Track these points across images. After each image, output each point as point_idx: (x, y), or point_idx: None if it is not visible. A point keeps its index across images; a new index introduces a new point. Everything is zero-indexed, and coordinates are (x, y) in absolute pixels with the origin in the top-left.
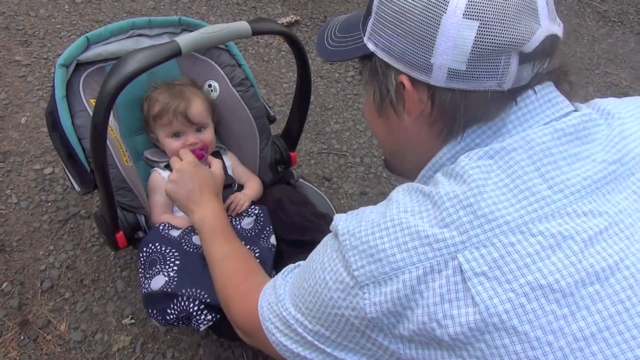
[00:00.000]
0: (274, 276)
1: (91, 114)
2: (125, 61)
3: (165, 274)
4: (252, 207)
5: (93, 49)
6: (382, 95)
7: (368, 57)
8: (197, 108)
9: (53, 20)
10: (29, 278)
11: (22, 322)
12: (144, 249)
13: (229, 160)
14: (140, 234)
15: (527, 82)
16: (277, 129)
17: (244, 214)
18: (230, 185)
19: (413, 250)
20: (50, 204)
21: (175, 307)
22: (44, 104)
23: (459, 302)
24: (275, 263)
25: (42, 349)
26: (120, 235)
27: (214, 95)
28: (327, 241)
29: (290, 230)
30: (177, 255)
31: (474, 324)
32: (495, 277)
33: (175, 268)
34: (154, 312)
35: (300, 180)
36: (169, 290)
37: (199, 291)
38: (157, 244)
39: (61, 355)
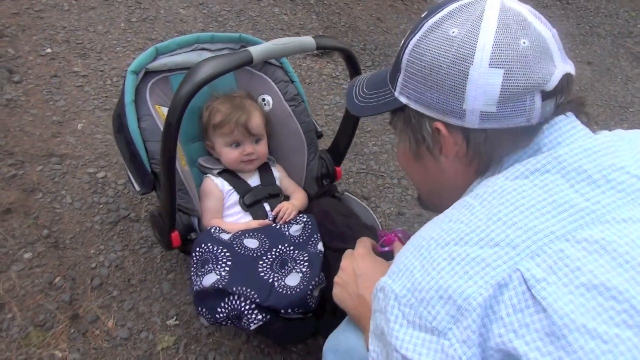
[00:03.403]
0: (322, 279)
1: (156, 119)
2: (200, 67)
3: (217, 272)
4: (301, 215)
5: (160, 59)
6: (417, 142)
7: (400, 109)
8: (257, 120)
9: (110, 36)
10: (80, 274)
11: (73, 316)
12: (197, 249)
13: (278, 171)
14: (193, 235)
15: (551, 114)
16: (321, 145)
17: (293, 222)
18: (277, 195)
19: (476, 275)
20: (102, 206)
21: (226, 306)
22: (99, 113)
23: (529, 309)
24: (322, 268)
25: (90, 344)
26: (175, 234)
27: (267, 108)
28: (381, 321)
29: (337, 239)
30: (228, 256)
31: (548, 328)
32: (553, 281)
33: (227, 268)
34: (204, 310)
35: (346, 193)
36: (220, 286)
37: (249, 290)
38: (209, 245)
39: (108, 350)
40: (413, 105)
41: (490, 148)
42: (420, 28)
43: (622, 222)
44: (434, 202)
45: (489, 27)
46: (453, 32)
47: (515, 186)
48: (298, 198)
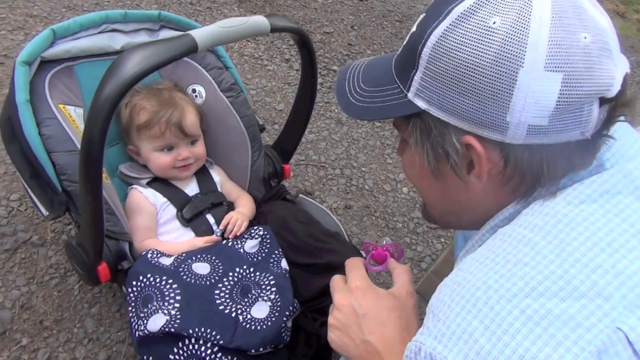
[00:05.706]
0: (296, 307)
1: (62, 122)
2: (127, 59)
3: (166, 311)
4: (256, 227)
5: (60, 45)
6: (438, 158)
7: (416, 114)
8: (192, 118)
9: None
10: None
11: None
12: (134, 283)
13: (217, 175)
14: (125, 264)
15: (604, 121)
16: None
17: (246, 236)
18: (221, 204)
19: (567, 340)
20: None
21: (181, 352)
22: None
23: None
24: None
25: None
26: (103, 267)
27: (199, 101)
28: None
29: (300, 252)
30: (176, 289)
31: None
32: None
33: (176, 305)
34: (151, 359)
35: (301, 195)
36: (172, 330)
37: (209, 331)
38: (148, 276)
39: None
40: (435, 113)
41: (538, 167)
42: (447, 15)
43: None
44: (447, 221)
45: (541, 17)
46: (494, 23)
47: (584, 214)
48: (245, 205)
